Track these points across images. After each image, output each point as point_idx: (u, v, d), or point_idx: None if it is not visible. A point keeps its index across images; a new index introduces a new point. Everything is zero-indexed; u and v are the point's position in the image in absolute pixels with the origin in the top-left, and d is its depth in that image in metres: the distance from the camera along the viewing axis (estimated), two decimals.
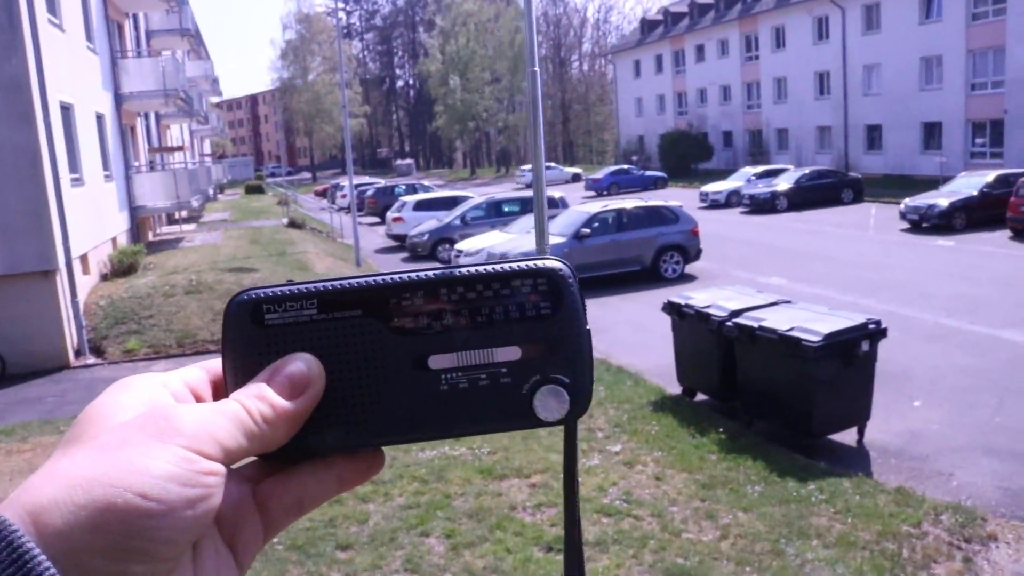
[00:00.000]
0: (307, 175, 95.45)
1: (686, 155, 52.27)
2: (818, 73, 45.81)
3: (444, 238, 24.66)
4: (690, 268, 19.13)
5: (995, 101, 35.23)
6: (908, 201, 25.90)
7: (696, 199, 36.66)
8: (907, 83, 40.05)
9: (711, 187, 37.06)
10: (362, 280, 0.60)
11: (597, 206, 19.83)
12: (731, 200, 34.97)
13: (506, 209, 25.74)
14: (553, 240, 18.35)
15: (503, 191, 38.42)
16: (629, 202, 19.96)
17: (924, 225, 24.44)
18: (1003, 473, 7.87)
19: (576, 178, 56.91)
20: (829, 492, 7.37)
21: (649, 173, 48.42)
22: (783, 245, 22.91)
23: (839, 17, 43.56)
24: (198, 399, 0.58)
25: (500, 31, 71.31)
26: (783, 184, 32.82)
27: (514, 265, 0.61)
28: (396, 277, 0.60)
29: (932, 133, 39.29)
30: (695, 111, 56.77)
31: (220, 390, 0.59)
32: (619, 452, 8.49)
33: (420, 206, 28.97)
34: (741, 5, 51.71)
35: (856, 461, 8.33)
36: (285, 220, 33.65)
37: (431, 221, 26.20)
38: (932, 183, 30.11)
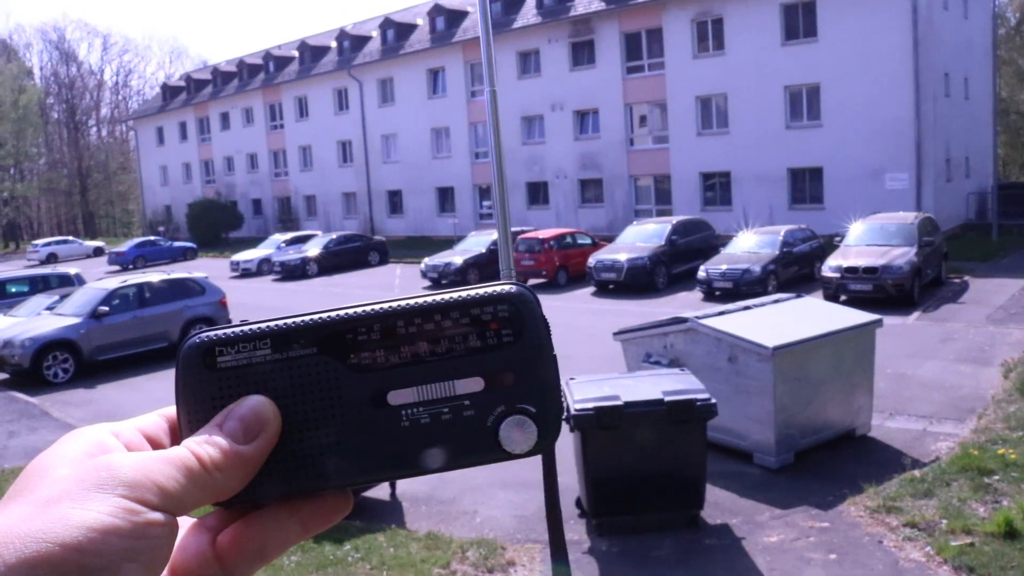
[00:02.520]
0: None
1: (216, 224, 51.08)
2: (341, 142, 47.74)
3: None
4: None
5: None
6: (428, 260, 27.90)
7: (228, 268, 35.98)
8: (421, 151, 43.38)
9: (242, 256, 36.61)
10: (316, 317, 0.58)
11: (116, 281, 18.51)
12: (262, 268, 34.83)
13: (12, 290, 22.95)
14: (66, 321, 16.77)
15: (11, 269, 34.41)
16: (152, 275, 18.92)
17: (444, 282, 26.46)
18: (517, 502, 8.63)
19: (99, 252, 52.90)
20: (365, 549, 7.50)
21: (178, 244, 46.56)
22: (311, 309, 23.24)
23: (357, 89, 45.94)
24: (157, 447, 0.56)
25: (0, 90, 63.81)
26: (313, 250, 33.48)
27: (473, 292, 0.59)
28: (350, 312, 0.58)
29: (446, 197, 42.92)
30: (223, 179, 55.90)
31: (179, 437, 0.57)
32: None
33: None
34: (264, 75, 52.25)
35: (390, 514, 8.58)
36: None
37: None
38: (448, 243, 32.83)
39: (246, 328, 0.58)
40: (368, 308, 0.58)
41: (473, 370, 0.57)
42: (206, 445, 0.53)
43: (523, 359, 0.58)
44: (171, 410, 0.59)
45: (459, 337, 0.58)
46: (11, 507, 0.47)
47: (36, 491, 0.48)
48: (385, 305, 0.58)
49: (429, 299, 0.58)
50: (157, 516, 0.49)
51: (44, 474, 0.50)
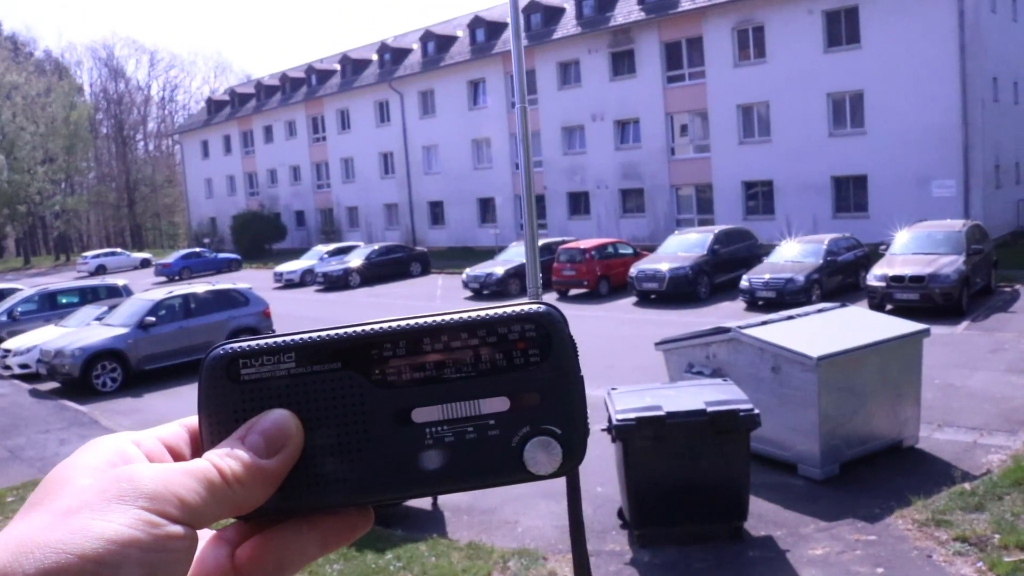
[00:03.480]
0: None
1: (259, 236, 51.75)
2: (382, 153, 48.14)
3: None
4: None
5: (536, 179, 39.45)
6: (469, 271, 27.98)
7: (271, 279, 36.38)
8: (462, 162, 43.59)
9: (285, 267, 37.00)
10: (342, 331, 0.58)
11: (162, 292, 18.83)
12: (305, 279, 35.18)
13: (63, 301, 23.46)
14: (114, 331, 17.08)
15: (62, 281, 35.13)
16: (198, 286, 19.21)
17: (485, 292, 26.51)
18: (558, 512, 8.58)
19: (146, 263, 53.79)
20: (407, 558, 7.52)
21: (222, 255, 47.21)
22: (357, 319, 23.38)
23: (399, 102, 46.31)
24: (177, 457, 0.56)
25: (53, 106, 65.22)
26: (355, 260, 33.74)
27: (501, 311, 0.58)
28: (377, 328, 0.58)
29: (487, 208, 43.06)
30: (267, 191, 56.63)
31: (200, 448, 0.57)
32: None
33: None
34: (306, 88, 52.90)
35: (431, 523, 8.60)
36: None
37: None
38: (490, 253, 32.87)
39: (271, 341, 0.58)
40: (394, 324, 0.58)
41: (499, 389, 0.57)
42: (228, 458, 0.53)
43: (549, 379, 0.58)
44: (192, 420, 0.58)
45: (485, 356, 0.57)
46: (31, 516, 0.47)
47: (56, 500, 0.48)
48: (411, 321, 0.58)
49: (455, 316, 0.58)
50: (177, 529, 0.48)
51: (65, 483, 0.49)
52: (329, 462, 0.56)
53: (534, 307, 0.59)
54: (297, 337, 0.58)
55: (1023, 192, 32.54)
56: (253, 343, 0.57)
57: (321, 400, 0.57)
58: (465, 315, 0.58)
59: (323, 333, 0.58)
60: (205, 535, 0.56)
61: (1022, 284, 21.58)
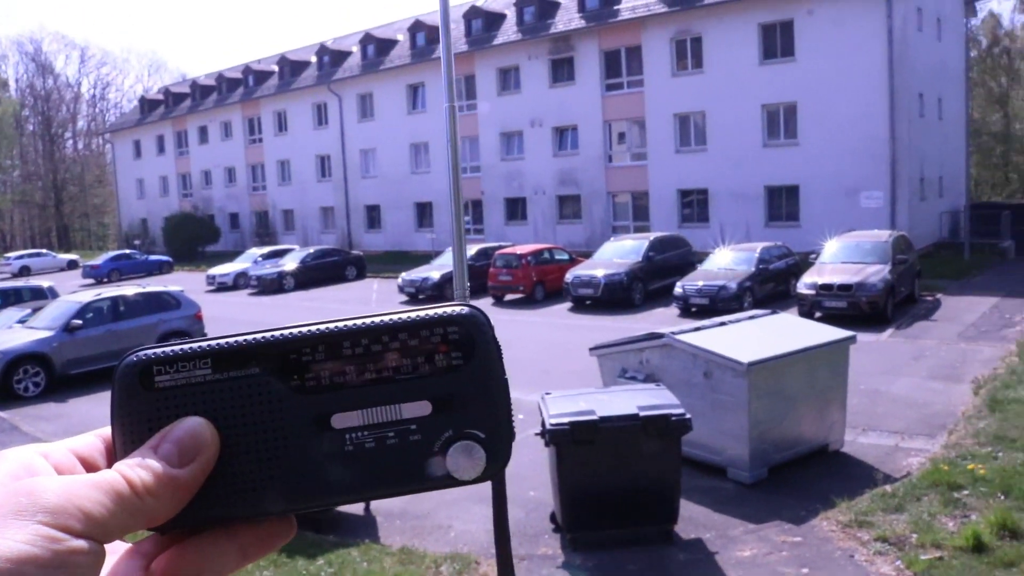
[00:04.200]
0: None
1: (192, 238, 50.75)
2: (319, 156, 47.68)
3: None
4: None
5: (474, 184, 39.58)
6: (405, 275, 27.86)
7: (204, 282, 35.76)
8: (400, 166, 43.39)
9: (218, 270, 36.39)
10: (259, 336, 0.56)
11: (90, 294, 18.36)
12: (239, 282, 34.62)
13: None
14: (38, 334, 16.60)
15: None
16: (127, 289, 18.78)
17: (420, 296, 26.43)
18: (491, 516, 8.57)
19: (73, 265, 52.39)
20: (338, 564, 7.46)
21: (153, 257, 46.22)
22: (288, 323, 23.11)
23: (337, 104, 45.93)
24: (90, 469, 0.54)
25: None
26: (290, 264, 33.35)
27: (422, 313, 0.57)
28: (295, 331, 0.56)
29: (424, 212, 42.93)
30: (201, 193, 55.63)
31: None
32: None
33: None
34: (243, 89, 52.14)
35: (364, 528, 8.54)
36: None
37: None
38: (426, 258, 32.81)
39: (186, 347, 0.56)
40: (313, 328, 0.57)
41: (421, 393, 0.56)
42: (138, 468, 0.51)
43: (472, 383, 0.57)
44: (108, 431, 0.57)
45: (407, 359, 0.56)
46: None
47: None
48: (331, 325, 0.57)
49: (377, 319, 0.57)
50: (80, 544, 0.46)
51: None
52: (246, 470, 0.55)
53: (457, 309, 0.58)
54: (213, 342, 0.56)
55: (946, 204, 33.59)
56: (168, 349, 0.56)
57: (238, 407, 0.55)
58: (386, 318, 0.57)
59: (240, 338, 0.57)
60: (120, 548, 0.54)
61: (944, 293, 22.28)
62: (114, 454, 0.54)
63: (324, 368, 0.56)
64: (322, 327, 0.57)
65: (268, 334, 0.57)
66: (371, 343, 0.56)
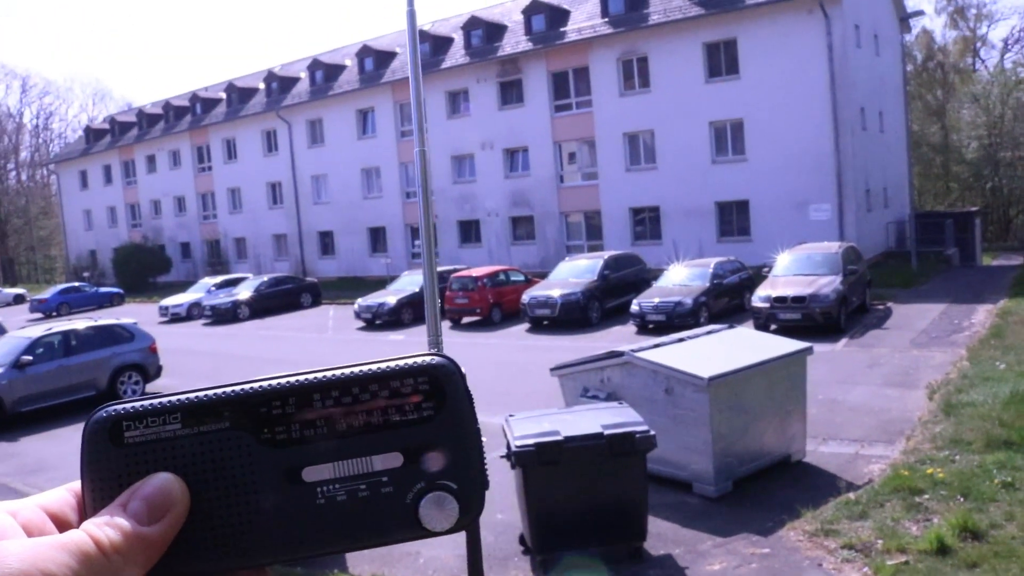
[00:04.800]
0: None
1: (143, 268, 50.00)
2: (270, 183, 47.32)
3: None
4: (152, 386, 18.14)
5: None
6: (361, 301, 27.67)
7: (157, 314, 35.19)
8: (352, 192, 43.24)
9: (171, 300, 35.89)
10: (228, 390, 0.56)
11: (40, 329, 17.97)
12: (192, 312, 34.19)
13: None
14: None
15: None
16: (78, 322, 18.42)
17: (377, 322, 26.26)
18: (460, 542, 8.50)
19: (20, 299, 51.22)
20: None
21: (104, 289, 45.41)
22: (246, 353, 22.86)
23: (287, 131, 45.68)
24: (61, 525, 0.53)
25: None
26: (244, 293, 33.01)
27: (392, 364, 0.57)
28: (264, 385, 0.56)
29: (378, 237, 42.79)
30: (150, 223, 54.85)
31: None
32: None
33: None
34: (191, 117, 51.63)
35: (332, 559, 8.43)
36: None
37: None
38: (381, 283, 32.66)
39: (155, 402, 0.56)
40: (283, 380, 0.57)
41: (392, 445, 0.56)
42: (106, 527, 0.50)
43: (444, 433, 0.56)
44: (79, 485, 0.55)
45: (377, 411, 0.56)
46: None
47: None
48: (301, 378, 0.57)
49: (347, 371, 0.57)
50: None
51: None
52: (217, 525, 0.54)
53: (427, 359, 0.58)
54: (183, 397, 0.56)
55: (891, 215, 34.33)
56: (137, 404, 0.56)
57: (208, 462, 0.55)
58: (356, 369, 0.57)
59: (209, 392, 0.56)
60: None
61: (894, 302, 22.72)
62: (83, 511, 0.54)
63: (295, 421, 0.56)
64: (292, 380, 0.56)
65: (238, 387, 0.56)
66: (342, 395, 0.56)
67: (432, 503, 0.55)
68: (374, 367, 0.57)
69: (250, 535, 0.54)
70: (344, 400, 0.56)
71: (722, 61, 31.64)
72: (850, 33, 30.07)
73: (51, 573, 0.46)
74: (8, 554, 0.45)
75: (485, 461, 0.58)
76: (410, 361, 0.57)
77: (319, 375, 0.56)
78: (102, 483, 0.54)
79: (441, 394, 0.57)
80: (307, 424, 0.56)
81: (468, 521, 0.56)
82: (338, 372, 0.56)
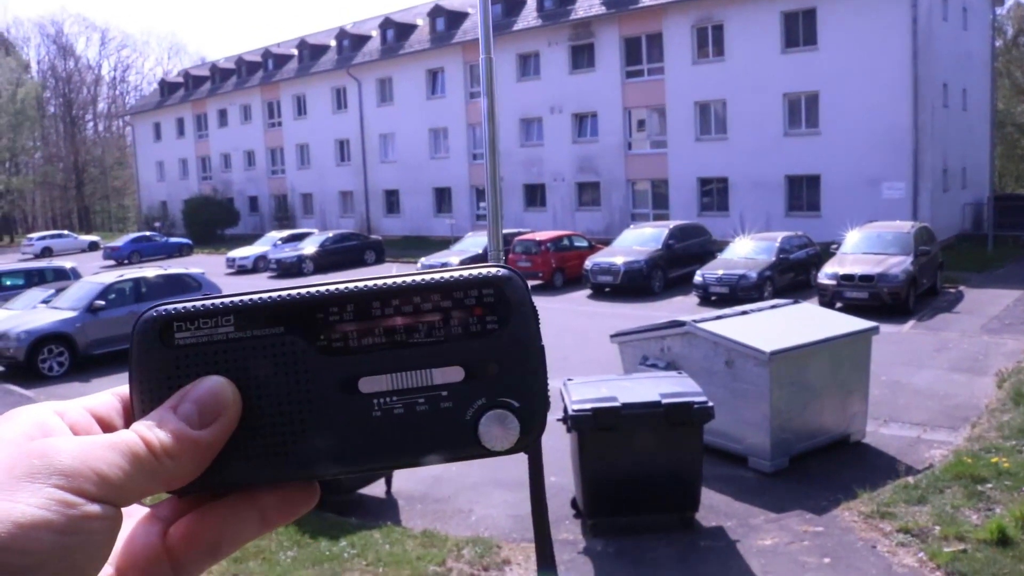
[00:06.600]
0: None
1: (212, 221, 51.01)
2: (339, 140, 47.74)
3: None
4: None
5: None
6: (424, 260, 27.93)
7: (224, 265, 35.94)
8: (419, 152, 43.40)
9: (238, 252, 36.57)
10: (284, 293, 0.54)
11: (113, 276, 18.51)
12: (258, 265, 34.80)
13: (8, 283, 23.04)
14: (62, 315, 16.77)
15: (6, 263, 34.36)
16: (148, 271, 18.91)
17: None
18: (512, 502, 8.64)
19: (94, 246, 52.71)
20: (361, 546, 7.50)
21: (174, 240, 46.47)
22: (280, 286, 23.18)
23: (356, 89, 45.94)
24: (107, 429, 0.51)
25: None
26: (309, 248, 33.47)
27: (457, 274, 0.54)
28: (323, 289, 0.54)
29: (443, 198, 42.95)
30: (220, 176, 55.86)
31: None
32: None
33: None
34: (263, 72, 52.24)
35: (385, 511, 8.60)
36: None
37: None
38: (445, 243, 32.88)
39: (208, 303, 0.54)
40: (342, 286, 0.54)
41: (453, 358, 0.54)
42: (157, 429, 0.49)
43: (508, 349, 0.54)
44: (124, 388, 0.54)
45: (439, 322, 0.54)
46: None
47: None
48: (360, 283, 0.54)
49: (408, 279, 0.54)
50: (95, 508, 0.44)
51: None
52: (269, 433, 0.53)
53: (493, 271, 0.55)
54: (237, 299, 0.54)
55: (969, 196, 33.31)
56: (189, 305, 0.53)
57: (261, 367, 0.53)
58: (419, 278, 0.54)
59: (264, 295, 0.54)
60: (138, 512, 0.53)
61: (966, 285, 22.11)
62: (131, 413, 0.53)
63: (352, 329, 0.54)
64: (351, 285, 0.54)
65: (294, 291, 0.54)
66: (402, 304, 0.54)
67: (493, 420, 0.53)
68: (437, 276, 0.54)
69: (302, 445, 0.53)
70: (405, 309, 0.54)
71: (800, 31, 30.85)
72: (937, 5, 29.08)
73: (101, 471, 0.45)
74: (59, 450, 0.45)
75: (547, 381, 0.56)
76: (475, 272, 0.54)
77: (379, 282, 0.54)
78: (151, 385, 0.52)
79: (506, 308, 0.54)
80: (365, 332, 0.53)
81: (528, 442, 0.53)
82: (400, 280, 0.54)
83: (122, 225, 77.64)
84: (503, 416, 0.53)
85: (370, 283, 0.54)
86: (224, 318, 0.53)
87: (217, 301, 0.54)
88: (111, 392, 0.54)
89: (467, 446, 0.53)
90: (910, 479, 8.51)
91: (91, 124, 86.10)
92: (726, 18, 32.43)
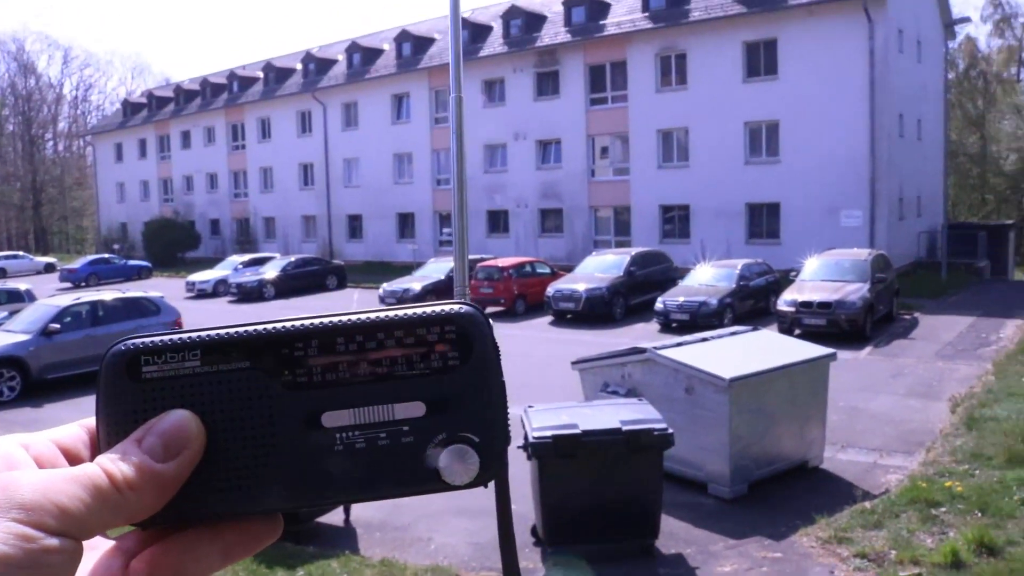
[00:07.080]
0: None
1: (172, 243, 50.41)
2: (303, 164, 47.54)
3: None
4: None
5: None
6: (386, 286, 27.82)
7: (183, 289, 35.51)
8: (383, 176, 43.36)
9: (198, 276, 36.15)
10: (251, 328, 0.54)
11: (68, 298, 18.21)
12: (219, 289, 34.39)
13: None
14: (14, 338, 16.44)
15: None
16: (106, 293, 18.64)
17: None
18: (472, 530, 8.59)
19: (50, 268, 51.83)
20: (318, 575, 7.42)
21: (133, 262, 45.84)
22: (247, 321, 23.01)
23: (321, 112, 45.86)
24: (73, 460, 0.52)
25: None
26: (270, 272, 33.18)
27: (419, 311, 0.55)
28: (288, 325, 0.54)
29: (406, 223, 42.89)
30: (182, 198, 55.30)
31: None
32: None
33: None
34: (227, 94, 51.95)
35: (344, 540, 8.49)
36: None
37: None
38: (407, 268, 32.77)
39: (176, 337, 0.54)
40: (307, 322, 0.55)
41: (415, 394, 0.55)
42: (120, 462, 0.49)
43: (468, 384, 0.55)
44: (93, 421, 0.55)
45: (402, 357, 0.55)
46: None
47: None
48: (325, 320, 0.55)
49: (372, 315, 0.55)
50: (53, 542, 0.44)
51: None
52: (232, 467, 0.53)
53: (455, 307, 0.56)
54: (204, 334, 0.55)
55: (923, 224, 33.92)
56: (157, 339, 0.54)
57: (226, 401, 0.54)
58: (382, 314, 0.55)
59: (231, 330, 0.55)
60: (104, 544, 0.53)
61: (921, 312, 22.49)
62: (97, 446, 0.53)
63: (316, 364, 0.54)
64: (316, 321, 0.55)
65: (260, 327, 0.55)
66: (366, 339, 0.55)
67: (453, 455, 0.54)
68: (401, 313, 0.55)
69: (265, 479, 0.53)
70: (368, 345, 0.54)
71: (761, 61, 31.37)
72: (893, 38, 29.72)
73: (63, 505, 0.45)
74: (19, 484, 0.45)
75: (508, 416, 0.57)
76: (438, 309, 0.56)
77: (344, 318, 0.55)
78: (117, 418, 0.53)
79: (468, 344, 0.55)
80: (329, 368, 0.54)
81: (488, 477, 0.54)
82: (364, 316, 0.55)
83: (80, 247, 76.46)
84: (463, 451, 0.54)
85: (335, 319, 0.55)
86: (191, 352, 0.54)
87: (184, 335, 0.54)
88: (78, 424, 0.55)
89: (427, 480, 0.54)
90: (867, 504, 8.60)
91: (51, 143, 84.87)
92: (689, 48, 32.90)
